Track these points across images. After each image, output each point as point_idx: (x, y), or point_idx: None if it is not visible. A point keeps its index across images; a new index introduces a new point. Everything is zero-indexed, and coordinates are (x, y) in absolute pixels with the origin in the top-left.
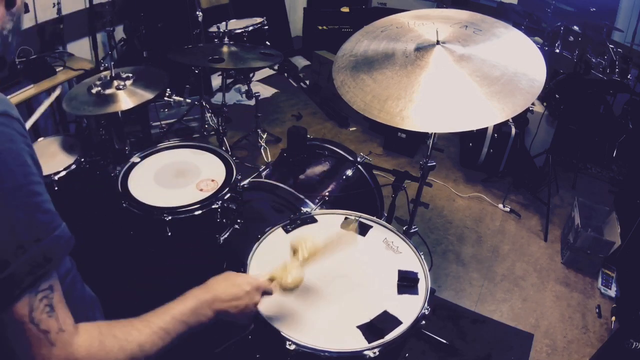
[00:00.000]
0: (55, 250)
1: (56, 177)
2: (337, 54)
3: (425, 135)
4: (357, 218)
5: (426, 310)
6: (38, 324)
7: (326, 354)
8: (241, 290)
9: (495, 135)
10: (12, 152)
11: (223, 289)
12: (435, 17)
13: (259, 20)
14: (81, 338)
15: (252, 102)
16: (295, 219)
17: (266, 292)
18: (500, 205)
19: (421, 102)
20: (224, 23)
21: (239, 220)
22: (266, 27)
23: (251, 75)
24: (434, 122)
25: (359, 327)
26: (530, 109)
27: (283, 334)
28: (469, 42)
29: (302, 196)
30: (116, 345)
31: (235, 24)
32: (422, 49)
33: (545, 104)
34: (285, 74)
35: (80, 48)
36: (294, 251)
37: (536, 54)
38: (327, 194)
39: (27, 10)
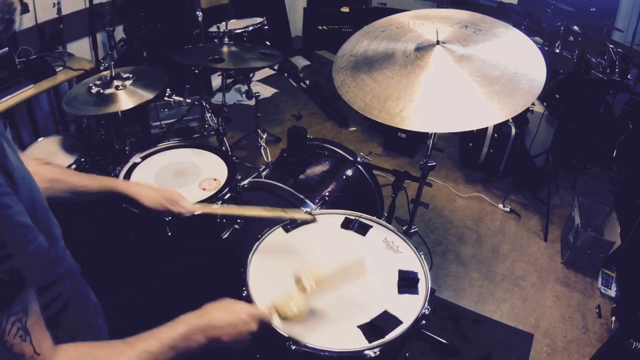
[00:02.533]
0: (28, 267)
1: None
2: (337, 54)
3: (425, 135)
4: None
5: (426, 310)
6: (11, 348)
7: (326, 353)
8: (237, 317)
9: (495, 135)
10: None
11: (219, 316)
12: (435, 17)
13: (259, 20)
14: None
15: (252, 102)
16: (295, 219)
17: (264, 322)
18: (500, 205)
19: (421, 102)
20: (224, 23)
21: (239, 220)
22: (266, 27)
23: (251, 75)
24: (434, 122)
25: (359, 327)
26: (530, 109)
27: (283, 334)
28: (469, 42)
29: (302, 196)
30: None
31: (235, 24)
32: (422, 49)
33: (545, 104)
34: (285, 74)
35: (80, 48)
36: (297, 281)
37: (536, 54)
38: (327, 194)
39: (27, 10)
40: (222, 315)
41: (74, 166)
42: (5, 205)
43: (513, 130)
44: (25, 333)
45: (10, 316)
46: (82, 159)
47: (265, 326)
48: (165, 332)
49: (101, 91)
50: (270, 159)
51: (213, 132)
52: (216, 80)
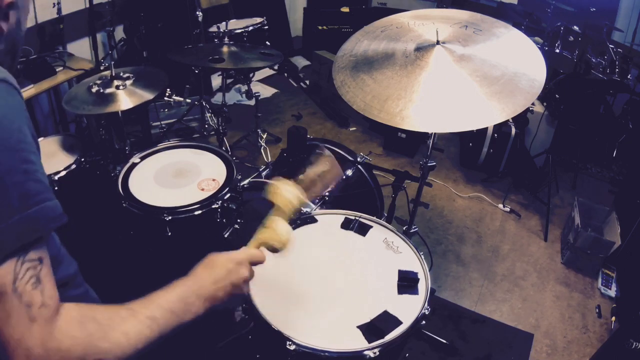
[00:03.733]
0: (42, 222)
1: (56, 177)
2: (337, 54)
3: (425, 135)
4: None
5: (426, 310)
6: (20, 295)
7: (326, 354)
8: (223, 269)
9: (495, 135)
10: (8, 115)
11: (205, 275)
12: (435, 17)
13: (259, 20)
14: (63, 318)
15: (252, 102)
16: (295, 219)
17: (256, 262)
18: (500, 205)
19: (421, 102)
20: (224, 23)
21: (239, 220)
22: (266, 27)
23: (251, 75)
24: (434, 122)
25: (359, 327)
26: (530, 109)
27: (283, 334)
28: (469, 42)
29: None
30: (98, 330)
31: (235, 24)
32: (422, 49)
33: (545, 104)
34: (285, 74)
35: (80, 48)
36: (275, 208)
37: (536, 54)
38: (327, 194)
39: None
40: (208, 274)
41: (74, 166)
42: (31, 161)
43: (513, 130)
44: (37, 281)
45: (26, 262)
46: (82, 159)
47: (258, 264)
48: (162, 296)
49: (101, 91)
50: (270, 159)
51: (213, 132)
52: (216, 80)
